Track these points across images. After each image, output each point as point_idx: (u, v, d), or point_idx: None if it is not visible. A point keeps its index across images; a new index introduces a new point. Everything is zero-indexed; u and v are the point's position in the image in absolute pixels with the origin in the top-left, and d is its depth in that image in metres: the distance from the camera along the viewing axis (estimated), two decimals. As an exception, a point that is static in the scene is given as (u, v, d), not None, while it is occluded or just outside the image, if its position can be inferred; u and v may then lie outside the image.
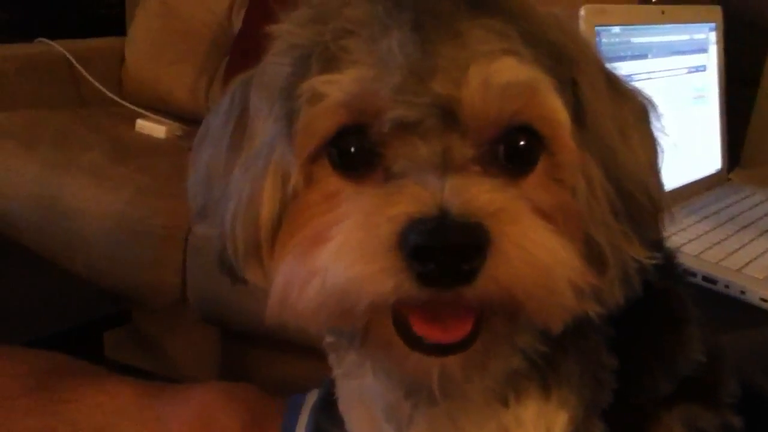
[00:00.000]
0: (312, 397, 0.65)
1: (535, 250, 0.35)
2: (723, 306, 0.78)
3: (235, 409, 0.65)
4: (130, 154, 1.43)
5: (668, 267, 0.57)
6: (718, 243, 0.89)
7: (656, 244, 0.44)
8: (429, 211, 0.34)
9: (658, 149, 0.44)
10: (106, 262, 1.32)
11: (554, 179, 0.39)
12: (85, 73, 1.74)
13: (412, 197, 0.34)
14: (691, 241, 0.89)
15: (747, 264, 0.84)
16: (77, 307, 1.08)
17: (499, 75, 0.36)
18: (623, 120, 0.42)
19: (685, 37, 1.05)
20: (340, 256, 0.34)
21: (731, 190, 1.11)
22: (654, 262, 0.41)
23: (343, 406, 0.52)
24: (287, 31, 0.40)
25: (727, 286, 0.80)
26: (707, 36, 1.10)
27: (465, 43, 0.36)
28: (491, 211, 0.34)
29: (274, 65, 0.40)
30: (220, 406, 0.65)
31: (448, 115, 0.36)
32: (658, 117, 0.44)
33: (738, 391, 0.59)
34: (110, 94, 1.75)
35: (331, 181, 0.38)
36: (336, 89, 0.36)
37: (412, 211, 0.34)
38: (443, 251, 0.33)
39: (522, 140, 0.38)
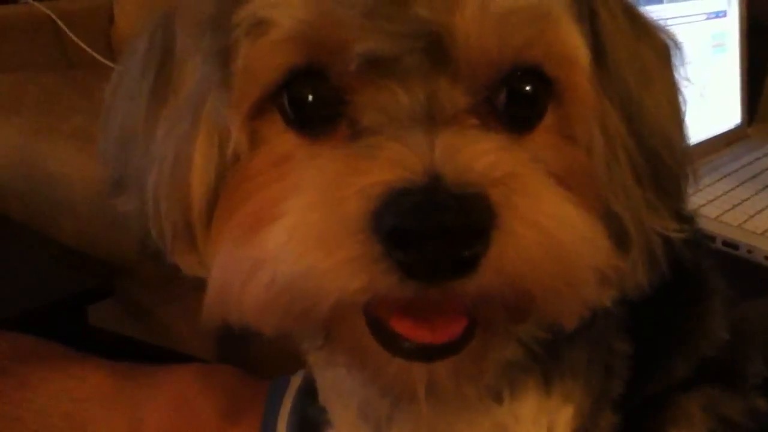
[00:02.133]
0: (296, 381, 0.59)
1: (555, 229, 0.27)
2: (746, 273, 0.72)
3: (213, 394, 0.59)
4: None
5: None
6: (740, 204, 0.83)
7: (679, 212, 0.37)
8: (415, 178, 0.26)
9: (682, 98, 0.36)
10: (95, 230, 1.28)
11: (565, 135, 0.32)
12: (71, 34, 1.68)
13: (391, 160, 0.26)
14: (709, 202, 0.83)
15: (772, 226, 0.77)
16: (59, 279, 1.03)
17: None
18: (645, 61, 0.34)
19: (703, -22, 0.97)
20: (292, 241, 0.26)
21: (752, 146, 1.04)
22: (682, 235, 0.34)
23: (323, 397, 0.46)
24: None
25: (750, 251, 0.74)
26: (728, -22, 1.01)
27: None
28: (497, 177, 0.26)
29: None
30: (197, 391, 0.60)
31: (436, 51, 0.28)
32: (683, 60, 0.36)
33: (764, 370, 0.54)
34: (98, 56, 1.68)
35: (283, 140, 0.30)
36: (285, 15, 0.28)
37: (391, 180, 0.26)
38: (435, 233, 0.25)
39: (528, 85, 0.30)
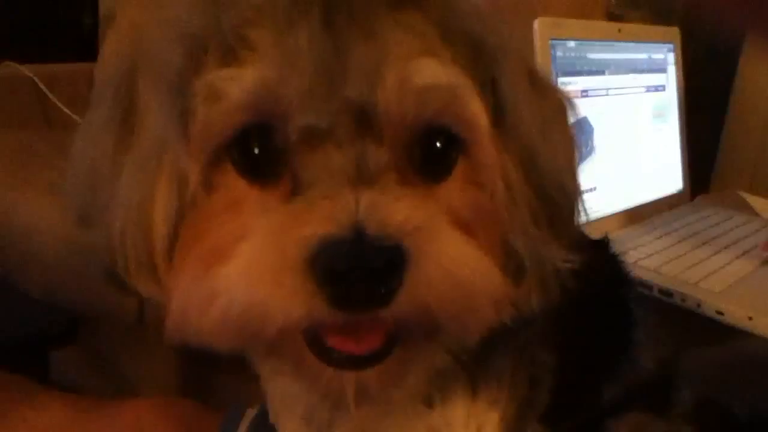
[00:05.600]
0: (251, 413, 0.61)
1: (455, 268, 0.34)
2: (679, 319, 0.77)
3: (168, 425, 0.61)
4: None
5: (615, 271, 0.55)
6: (677, 258, 0.89)
7: (573, 245, 0.43)
8: (343, 232, 0.32)
9: (576, 147, 0.43)
10: (63, 282, 1.29)
11: (473, 182, 0.38)
12: (50, 96, 1.72)
13: (324, 216, 0.32)
14: (649, 255, 0.88)
15: (705, 278, 0.83)
16: (22, 324, 1.04)
17: (417, 77, 0.34)
18: (543, 117, 0.41)
19: (643, 55, 1.05)
20: (245, 277, 0.32)
21: (692, 209, 1.11)
22: (572, 266, 0.40)
23: (272, 411, 0.49)
24: (177, 18, 0.37)
25: (683, 300, 0.79)
26: (666, 56, 1.10)
27: (380, 42, 0.34)
28: (409, 230, 0.33)
29: (164, 53, 0.36)
30: (152, 422, 0.62)
31: (363, 121, 0.34)
32: (576, 114, 0.43)
33: (691, 401, 0.57)
34: (76, 117, 1.72)
35: (235, 186, 0.36)
36: (237, 88, 0.34)
37: (324, 233, 0.32)
38: (359, 275, 0.32)
39: (438, 142, 0.37)
